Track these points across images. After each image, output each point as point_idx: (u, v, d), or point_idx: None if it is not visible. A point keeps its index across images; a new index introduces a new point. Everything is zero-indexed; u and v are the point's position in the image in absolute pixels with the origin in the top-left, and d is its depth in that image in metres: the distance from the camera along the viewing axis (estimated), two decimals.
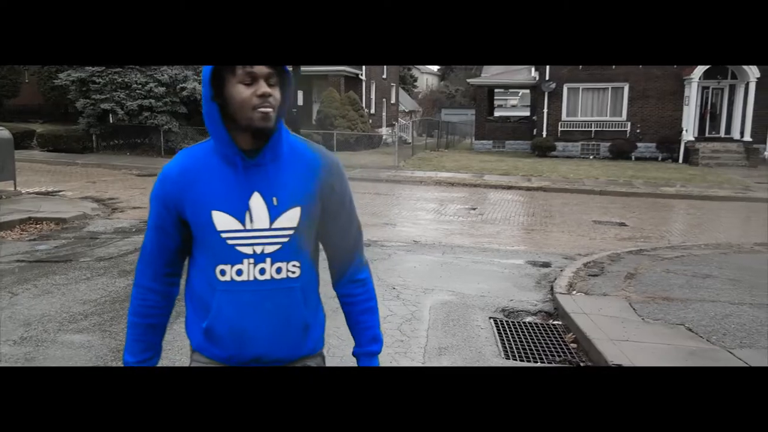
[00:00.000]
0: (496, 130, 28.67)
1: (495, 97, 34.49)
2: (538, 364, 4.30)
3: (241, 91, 1.48)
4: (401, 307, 5.41)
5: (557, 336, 4.89)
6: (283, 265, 1.56)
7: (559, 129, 25.19)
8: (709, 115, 24.07)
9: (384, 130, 32.89)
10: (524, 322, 5.19)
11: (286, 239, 1.56)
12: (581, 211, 12.19)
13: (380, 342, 1.75)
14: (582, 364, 4.35)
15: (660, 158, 23.58)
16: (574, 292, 5.78)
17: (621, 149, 23.87)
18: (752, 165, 21.26)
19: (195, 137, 20.20)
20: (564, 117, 25.22)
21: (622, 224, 10.80)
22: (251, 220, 1.54)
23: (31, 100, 32.79)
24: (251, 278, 1.55)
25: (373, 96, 32.58)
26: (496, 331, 4.91)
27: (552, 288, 6.03)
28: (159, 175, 1.62)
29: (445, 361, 4.30)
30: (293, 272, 1.58)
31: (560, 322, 5.20)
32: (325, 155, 1.65)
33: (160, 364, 1.74)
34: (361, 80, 30.34)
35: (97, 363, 4.11)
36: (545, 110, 25.32)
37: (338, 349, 4.13)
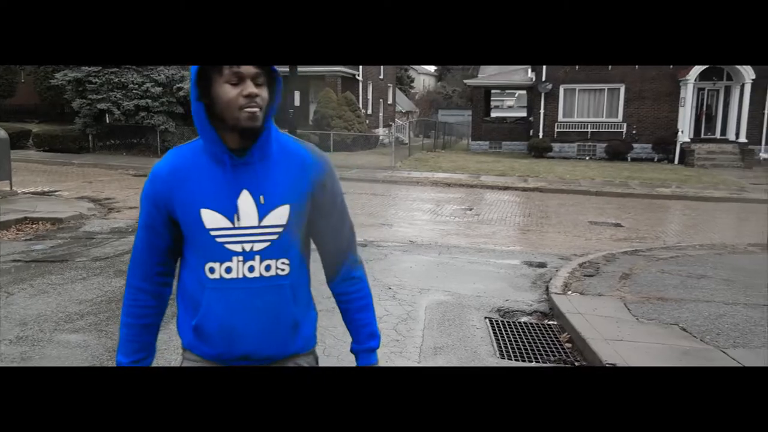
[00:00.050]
0: (493, 130, 28.71)
1: (492, 98, 34.54)
2: (533, 364, 4.32)
3: (228, 91, 1.49)
4: (397, 307, 5.41)
5: (552, 336, 4.90)
6: (272, 262, 1.57)
7: (556, 130, 25.22)
8: (704, 117, 24.16)
9: (381, 131, 32.88)
10: (519, 322, 5.20)
11: (275, 237, 1.57)
12: (577, 212, 12.21)
13: (378, 338, 1.76)
14: (577, 364, 4.36)
15: (656, 159, 23.64)
16: (570, 292, 5.80)
17: (617, 150, 23.93)
18: (747, 166, 21.32)
19: (191, 137, 19.61)
20: (560, 118, 25.26)
21: (618, 225, 10.82)
22: (240, 218, 1.55)
23: (27, 99, 32.68)
24: (240, 276, 1.55)
25: (369, 96, 32.57)
26: (491, 331, 4.92)
27: (547, 288, 6.05)
28: (149, 174, 1.63)
29: (440, 361, 4.31)
30: (282, 270, 1.58)
31: (555, 322, 5.21)
32: (314, 153, 1.65)
33: (155, 364, 1.74)
34: (357, 81, 30.33)
35: (93, 362, 4.11)
36: (542, 111, 25.36)
37: (334, 348, 4.14)
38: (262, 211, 1.56)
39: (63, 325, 4.79)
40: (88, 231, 8.77)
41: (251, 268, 1.56)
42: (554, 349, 4.61)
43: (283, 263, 1.58)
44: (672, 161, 23.08)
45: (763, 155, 22.47)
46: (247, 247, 1.55)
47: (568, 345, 4.70)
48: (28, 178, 14.17)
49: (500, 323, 5.14)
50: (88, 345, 4.40)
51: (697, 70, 22.34)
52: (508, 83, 30.47)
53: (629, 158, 23.80)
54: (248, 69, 1.48)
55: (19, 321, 4.84)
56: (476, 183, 16.41)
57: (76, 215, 9.65)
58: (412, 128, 29.69)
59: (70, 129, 22.00)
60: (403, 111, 45.56)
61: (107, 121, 21.95)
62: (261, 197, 1.56)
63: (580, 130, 25.02)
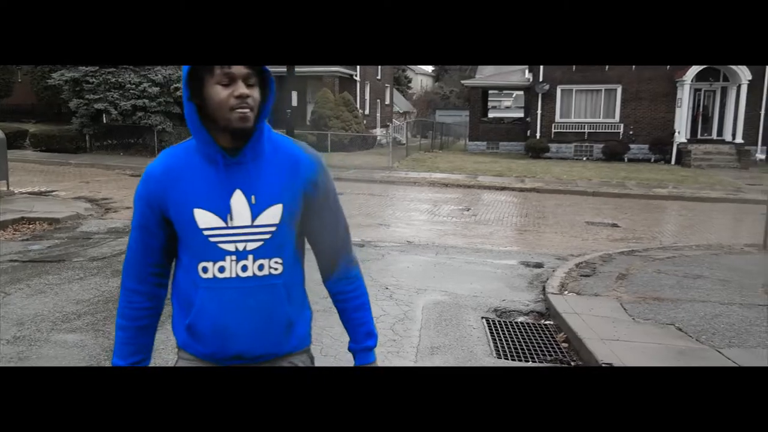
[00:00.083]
0: (490, 131, 28.73)
1: (489, 99, 34.55)
2: (530, 364, 4.32)
3: (219, 92, 1.49)
4: (394, 307, 5.42)
5: (549, 336, 4.91)
6: (265, 261, 1.57)
7: (553, 130, 25.26)
8: (701, 117, 24.20)
9: (378, 131, 32.90)
10: (516, 322, 5.21)
11: (268, 236, 1.57)
12: (574, 212, 12.23)
13: (375, 337, 1.77)
14: (573, 364, 4.37)
15: (652, 160, 23.68)
16: (566, 293, 5.81)
17: (614, 151, 23.96)
18: (744, 167, 21.38)
19: (189, 137, 20.13)
20: (557, 118, 25.29)
21: (615, 225, 10.84)
22: (233, 218, 1.55)
23: (24, 99, 32.63)
24: (233, 275, 1.56)
25: (367, 97, 32.58)
26: (488, 331, 4.93)
27: (544, 288, 6.06)
28: (143, 174, 1.63)
29: (437, 361, 4.32)
30: (276, 269, 1.58)
31: (552, 322, 5.22)
32: (307, 152, 1.65)
33: (153, 364, 1.74)
34: (355, 81, 30.34)
35: (90, 362, 4.11)
36: (539, 112, 25.39)
37: (331, 348, 4.14)
38: (255, 211, 1.56)
39: (60, 325, 4.79)
40: (85, 231, 8.76)
41: (244, 268, 1.56)
42: (551, 349, 4.62)
43: (276, 262, 1.58)
44: (669, 162, 23.13)
45: (759, 156, 22.54)
46: (240, 246, 1.56)
47: (565, 345, 4.71)
48: (25, 178, 14.14)
49: (497, 323, 5.15)
50: (85, 345, 4.40)
51: (693, 70, 22.40)
52: (505, 84, 30.52)
53: (626, 159, 23.84)
54: (239, 69, 1.48)
55: (16, 321, 4.83)
56: (473, 183, 16.42)
57: (73, 215, 9.63)
58: (409, 129, 29.71)
59: (67, 129, 21.96)
60: (401, 111, 45.57)
61: (104, 121, 21.91)
62: (253, 197, 1.56)
63: (577, 130, 25.05)
